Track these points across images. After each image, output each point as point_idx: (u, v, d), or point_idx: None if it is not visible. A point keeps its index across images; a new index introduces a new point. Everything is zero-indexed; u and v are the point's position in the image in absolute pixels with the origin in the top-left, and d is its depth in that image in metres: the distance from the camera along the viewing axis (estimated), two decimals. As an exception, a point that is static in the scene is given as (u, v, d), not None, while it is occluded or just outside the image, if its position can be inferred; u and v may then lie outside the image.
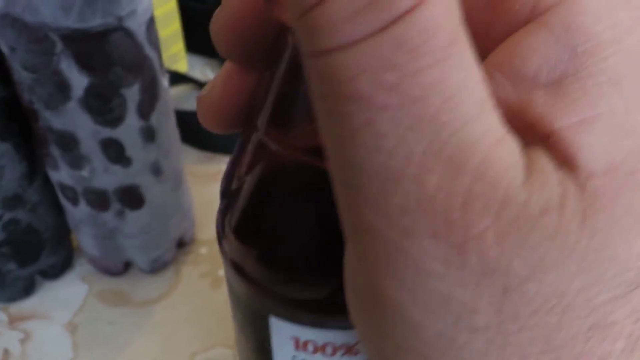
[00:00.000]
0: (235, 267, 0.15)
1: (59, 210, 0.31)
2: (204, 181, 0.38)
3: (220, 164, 0.40)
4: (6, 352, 0.29)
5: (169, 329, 0.30)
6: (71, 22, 0.23)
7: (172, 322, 0.31)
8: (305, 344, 0.15)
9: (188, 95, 0.45)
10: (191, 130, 0.38)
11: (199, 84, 0.44)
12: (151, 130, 0.28)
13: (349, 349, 0.15)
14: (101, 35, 0.24)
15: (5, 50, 0.25)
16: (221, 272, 0.33)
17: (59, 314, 0.31)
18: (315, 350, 0.15)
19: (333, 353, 0.15)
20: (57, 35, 0.24)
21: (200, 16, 0.43)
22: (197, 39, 0.46)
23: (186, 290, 0.32)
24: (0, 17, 0.24)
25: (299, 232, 0.14)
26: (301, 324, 0.15)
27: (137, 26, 0.25)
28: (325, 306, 0.14)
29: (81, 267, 0.33)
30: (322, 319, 0.14)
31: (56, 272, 0.32)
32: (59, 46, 0.24)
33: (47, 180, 0.30)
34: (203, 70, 0.48)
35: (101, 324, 0.30)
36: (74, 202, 0.29)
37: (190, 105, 0.42)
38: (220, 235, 0.16)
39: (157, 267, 0.32)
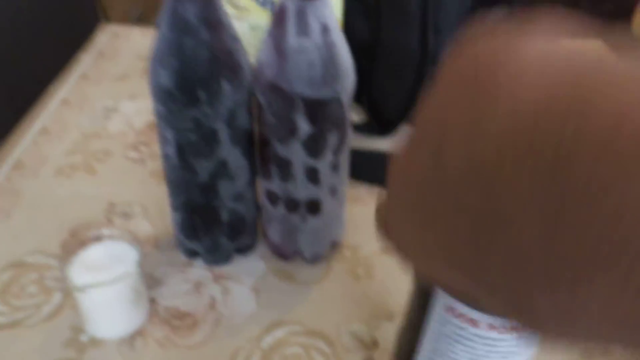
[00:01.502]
0: None
1: (258, 207, 0.44)
2: (348, 201, 0.50)
3: (359, 190, 0.52)
4: (213, 299, 0.42)
5: (322, 305, 0.42)
6: (310, 92, 0.36)
7: (324, 300, 0.43)
8: (459, 314, 0.26)
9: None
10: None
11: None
12: (337, 164, 0.40)
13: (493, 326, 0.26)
14: (325, 102, 0.37)
15: (262, 103, 0.38)
16: (359, 271, 0.45)
17: (247, 279, 0.44)
18: (464, 321, 0.26)
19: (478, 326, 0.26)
20: (299, 99, 0.37)
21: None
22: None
23: (334, 279, 0.44)
24: (269, 85, 0.37)
25: None
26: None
27: (345, 97, 0.38)
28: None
29: (261, 249, 0.46)
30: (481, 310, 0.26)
31: (247, 249, 0.45)
32: (298, 105, 0.37)
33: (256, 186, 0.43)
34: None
35: (275, 291, 0.43)
36: (275, 204, 0.42)
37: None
38: None
39: (315, 259, 0.45)
